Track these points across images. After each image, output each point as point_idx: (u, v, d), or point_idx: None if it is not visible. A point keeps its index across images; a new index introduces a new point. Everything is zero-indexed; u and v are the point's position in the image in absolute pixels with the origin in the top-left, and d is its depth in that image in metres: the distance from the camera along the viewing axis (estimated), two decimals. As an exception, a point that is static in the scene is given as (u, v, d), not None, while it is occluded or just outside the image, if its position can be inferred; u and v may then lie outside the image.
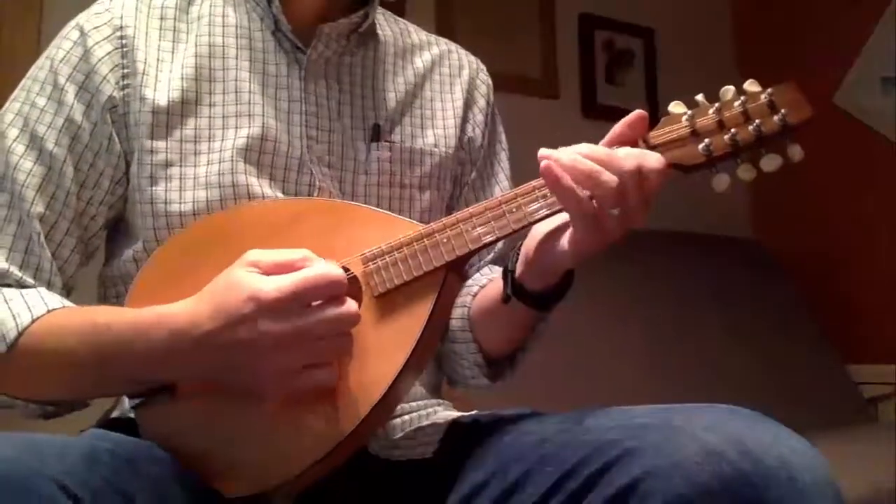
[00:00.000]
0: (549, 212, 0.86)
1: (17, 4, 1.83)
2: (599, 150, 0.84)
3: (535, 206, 0.86)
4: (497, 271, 1.05)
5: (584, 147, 0.84)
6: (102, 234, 0.99)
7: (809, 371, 2.43)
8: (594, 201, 0.81)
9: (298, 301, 0.78)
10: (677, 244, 2.56)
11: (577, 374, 2.06)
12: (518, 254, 0.92)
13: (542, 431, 0.84)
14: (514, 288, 0.92)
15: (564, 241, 0.86)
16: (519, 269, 0.92)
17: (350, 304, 0.80)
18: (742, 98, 0.87)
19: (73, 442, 0.74)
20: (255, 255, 0.81)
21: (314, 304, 0.79)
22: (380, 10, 1.09)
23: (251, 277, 0.79)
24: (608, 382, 2.06)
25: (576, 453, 0.77)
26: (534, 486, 0.80)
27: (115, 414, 0.98)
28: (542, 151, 0.83)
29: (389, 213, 0.97)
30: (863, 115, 2.76)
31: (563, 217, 0.86)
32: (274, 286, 0.77)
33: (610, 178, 0.80)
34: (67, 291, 0.96)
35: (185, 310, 0.81)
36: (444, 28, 2.30)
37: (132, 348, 0.82)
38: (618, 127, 0.87)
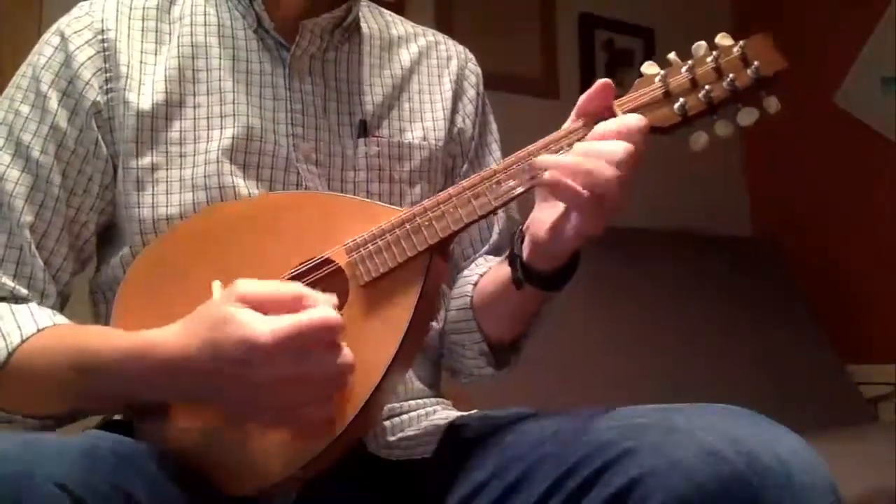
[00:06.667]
0: (528, 186, 0.86)
1: (17, 3, 1.83)
2: (592, 146, 0.84)
3: (513, 181, 0.85)
4: (492, 261, 1.05)
5: (580, 146, 0.85)
6: (95, 240, 0.98)
7: (809, 371, 2.43)
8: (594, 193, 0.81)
9: (293, 348, 0.74)
10: (677, 244, 2.57)
11: (576, 374, 2.06)
12: (522, 239, 0.92)
13: (541, 431, 0.84)
14: (524, 271, 0.92)
15: (569, 224, 0.86)
16: (526, 252, 0.91)
17: (346, 354, 0.77)
18: (714, 53, 0.86)
19: (74, 441, 0.73)
20: (243, 287, 0.77)
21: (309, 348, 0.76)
22: (364, 3, 1.08)
23: (244, 316, 0.75)
24: (608, 382, 2.06)
25: (575, 453, 0.77)
26: (533, 486, 0.80)
27: (116, 416, 0.98)
28: (542, 160, 0.84)
29: (369, 200, 0.96)
30: (863, 115, 2.76)
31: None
32: (268, 330, 0.73)
33: (608, 172, 0.81)
34: (63, 299, 0.96)
35: (175, 340, 0.79)
36: (443, 27, 2.29)
37: (121, 375, 0.81)
38: (582, 100, 0.88)
